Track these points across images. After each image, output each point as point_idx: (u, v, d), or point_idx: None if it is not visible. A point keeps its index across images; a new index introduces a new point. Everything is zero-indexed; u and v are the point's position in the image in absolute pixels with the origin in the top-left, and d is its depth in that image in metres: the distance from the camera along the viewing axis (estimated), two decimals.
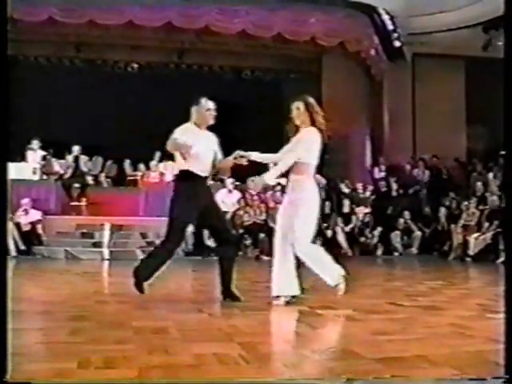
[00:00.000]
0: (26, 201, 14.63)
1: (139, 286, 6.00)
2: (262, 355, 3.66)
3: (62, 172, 16.31)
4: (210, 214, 6.28)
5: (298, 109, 6.35)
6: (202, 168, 6.28)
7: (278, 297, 6.01)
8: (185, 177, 6.24)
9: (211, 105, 6.59)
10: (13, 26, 17.04)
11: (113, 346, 3.88)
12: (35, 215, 14.52)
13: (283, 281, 6.00)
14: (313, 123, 6.26)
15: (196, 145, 6.20)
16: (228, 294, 6.22)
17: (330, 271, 6.21)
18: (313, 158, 6.32)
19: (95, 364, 3.36)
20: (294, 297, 6.05)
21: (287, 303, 5.96)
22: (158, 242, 14.40)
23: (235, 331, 4.41)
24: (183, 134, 6.20)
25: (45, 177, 15.95)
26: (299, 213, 6.06)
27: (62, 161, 16.46)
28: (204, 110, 6.53)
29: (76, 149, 16.46)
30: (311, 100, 6.41)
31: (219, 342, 4.06)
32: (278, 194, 15.50)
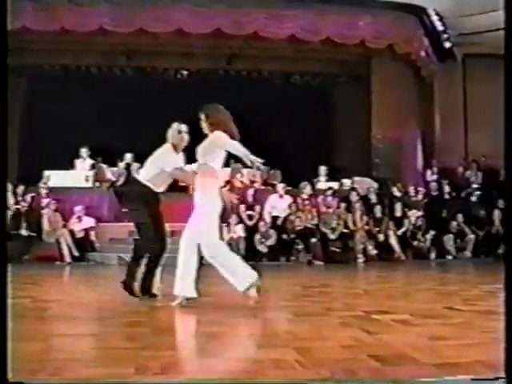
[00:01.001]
0: (79, 208, 14.82)
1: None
2: (317, 360, 3.65)
3: (114, 179, 16.48)
4: None
5: (201, 119, 6.59)
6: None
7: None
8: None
9: (184, 128, 7.06)
10: (64, 36, 17.36)
11: (169, 351, 3.90)
12: (88, 222, 14.70)
13: (182, 282, 6.28)
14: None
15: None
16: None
17: (239, 276, 6.23)
18: (215, 162, 6.42)
19: (152, 369, 3.38)
20: (188, 299, 6.25)
21: (181, 304, 6.20)
22: None
23: (291, 336, 4.41)
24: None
25: (97, 184, 16.14)
26: (203, 216, 6.23)
27: (114, 168, 16.63)
28: (177, 133, 7.00)
29: (128, 156, 16.63)
30: (212, 110, 6.65)
31: (275, 347, 4.05)
32: (330, 198, 15.45)
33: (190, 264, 6.31)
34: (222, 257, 6.24)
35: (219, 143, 6.34)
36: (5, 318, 3.30)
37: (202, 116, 6.59)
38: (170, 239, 12.47)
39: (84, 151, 16.40)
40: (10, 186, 15.56)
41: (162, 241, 7.05)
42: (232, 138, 6.35)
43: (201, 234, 6.21)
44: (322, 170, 17.27)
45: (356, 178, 17.10)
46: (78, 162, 16.43)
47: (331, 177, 17.32)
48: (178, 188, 17.35)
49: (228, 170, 17.40)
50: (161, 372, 3.33)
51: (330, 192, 15.65)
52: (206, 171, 6.35)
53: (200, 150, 6.43)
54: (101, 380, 3.16)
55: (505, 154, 3.94)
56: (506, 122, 3.75)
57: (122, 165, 16.74)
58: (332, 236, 14.84)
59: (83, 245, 14.47)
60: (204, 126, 6.55)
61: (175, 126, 7.06)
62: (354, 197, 15.69)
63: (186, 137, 7.07)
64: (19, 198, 15.39)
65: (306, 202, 15.50)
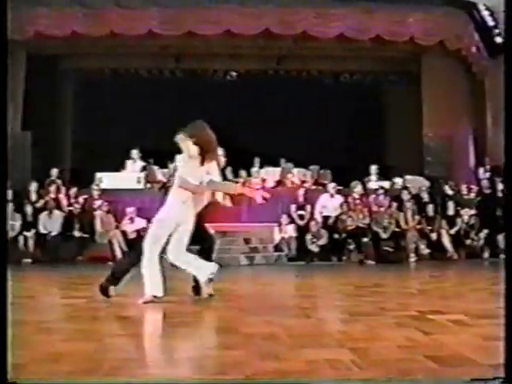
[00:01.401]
0: (131, 209, 14.95)
1: None
2: (373, 361, 3.61)
3: (165, 180, 16.58)
4: None
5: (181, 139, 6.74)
6: None
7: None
8: None
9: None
10: (114, 40, 17.56)
11: (224, 351, 3.91)
12: (140, 223, 14.80)
13: (151, 281, 6.55)
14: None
15: None
16: None
17: (203, 269, 6.58)
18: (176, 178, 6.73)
19: (209, 369, 3.39)
20: (155, 297, 6.53)
21: (147, 303, 6.44)
22: (261, 247, 14.65)
23: (346, 337, 4.38)
24: None
25: (148, 186, 16.25)
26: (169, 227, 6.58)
27: (165, 170, 16.74)
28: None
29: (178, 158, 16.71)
30: (199, 129, 6.81)
31: (330, 347, 4.03)
32: (381, 197, 15.33)
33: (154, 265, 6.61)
34: (184, 257, 6.59)
35: (215, 174, 6.79)
36: (5, 317, 3.33)
37: (185, 135, 6.67)
38: (221, 239, 12.56)
39: (135, 153, 16.53)
40: (63, 189, 15.82)
41: (207, 241, 7.09)
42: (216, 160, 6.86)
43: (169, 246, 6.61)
44: (373, 169, 17.14)
45: (408, 177, 16.95)
46: (129, 164, 16.58)
47: (382, 176, 17.19)
48: None
49: (278, 169, 17.43)
50: (219, 372, 3.33)
51: (381, 191, 15.53)
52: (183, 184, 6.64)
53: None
54: (101, 380, 3.17)
55: (505, 153, 3.90)
56: (506, 122, 3.72)
57: (172, 166, 16.84)
58: (384, 235, 14.74)
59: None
60: (187, 145, 6.66)
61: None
62: (405, 196, 15.55)
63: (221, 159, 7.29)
64: (72, 200, 15.62)
65: (358, 202, 15.41)
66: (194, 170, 6.64)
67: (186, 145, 6.64)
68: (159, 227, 6.59)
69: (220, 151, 7.21)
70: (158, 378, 3.25)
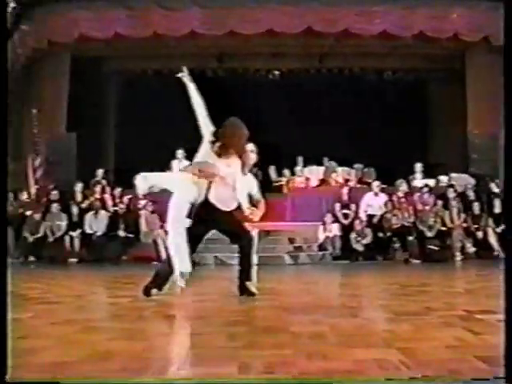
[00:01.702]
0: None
1: None
2: (422, 361, 3.57)
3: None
4: None
5: None
6: None
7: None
8: None
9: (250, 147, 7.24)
10: (156, 41, 17.67)
11: (271, 350, 3.89)
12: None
13: (177, 259, 6.76)
14: None
15: None
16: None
17: (181, 263, 6.78)
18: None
19: (255, 369, 3.38)
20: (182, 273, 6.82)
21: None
22: (305, 246, 14.62)
23: (393, 336, 4.34)
24: None
25: None
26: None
27: None
28: None
29: None
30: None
31: (377, 347, 4.00)
32: (426, 195, 15.20)
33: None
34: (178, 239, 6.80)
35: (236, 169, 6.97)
36: (5, 317, 3.34)
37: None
38: (265, 239, 12.57)
39: (180, 153, 16.57)
40: (108, 189, 15.96)
41: (243, 239, 7.06)
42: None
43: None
44: (418, 166, 17.00)
45: (453, 175, 16.78)
46: (174, 164, 16.64)
47: (427, 174, 17.04)
48: (272, 189, 17.53)
49: (322, 168, 17.39)
50: (264, 371, 3.32)
51: (426, 189, 15.40)
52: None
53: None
54: (101, 380, 3.17)
55: (505, 153, 3.84)
56: (506, 122, 3.68)
57: None
58: (429, 234, 14.61)
59: None
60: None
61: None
62: (451, 193, 15.39)
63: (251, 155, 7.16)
64: (117, 200, 15.75)
65: (402, 200, 15.30)
66: (210, 160, 6.81)
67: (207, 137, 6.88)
68: (174, 209, 6.84)
69: (251, 147, 7.12)
70: (205, 377, 3.25)
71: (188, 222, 6.79)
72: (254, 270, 7.08)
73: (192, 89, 7.22)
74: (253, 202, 7.09)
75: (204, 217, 6.93)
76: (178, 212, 6.78)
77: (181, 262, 6.69)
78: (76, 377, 3.27)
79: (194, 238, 6.91)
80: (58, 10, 17.52)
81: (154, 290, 6.89)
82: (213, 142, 6.85)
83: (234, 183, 6.87)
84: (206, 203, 6.92)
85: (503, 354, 3.28)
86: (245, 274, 6.98)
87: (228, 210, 6.94)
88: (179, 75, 7.28)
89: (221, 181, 6.83)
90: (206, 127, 6.96)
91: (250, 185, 7.12)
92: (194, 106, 7.13)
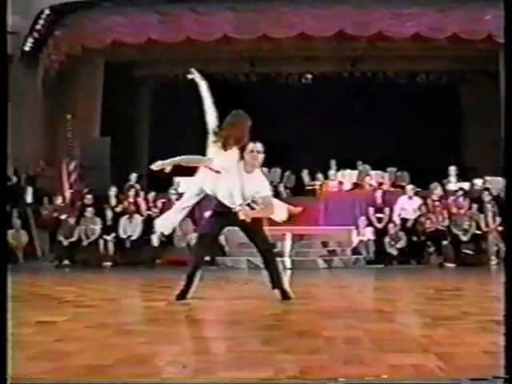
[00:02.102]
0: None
1: None
2: (460, 366, 3.52)
3: None
4: None
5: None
6: None
7: None
8: None
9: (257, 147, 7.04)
10: (189, 46, 17.74)
11: (307, 355, 3.86)
12: None
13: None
14: None
15: None
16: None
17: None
18: None
19: (292, 373, 3.35)
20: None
21: None
22: (338, 250, 14.57)
23: (429, 341, 4.28)
24: None
25: None
26: None
27: None
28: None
29: None
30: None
31: (414, 352, 3.95)
32: (461, 199, 15.07)
33: None
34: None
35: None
36: (5, 317, 3.34)
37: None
38: (298, 243, 12.57)
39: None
40: (141, 193, 16.04)
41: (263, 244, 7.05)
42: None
43: None
44: (452, 170, 16.86)
45: (488, 178, 16.60)
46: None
47: (462, 177, 16.89)
48: (305, 192, 17.50)
49: (355, 172, 17.31)
50: (299, 375, 3.29)
51: (460, 192, 15.26)
52: None
53: None
54: (101, 380, 3.16)
55: (504, 153, 3.80)
56: (506, 123, 3.64)
57: None
58: (464, 238, 14.48)
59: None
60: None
61: (250, 145, 6.81)
62: (486, 197, 15.23)
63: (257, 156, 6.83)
64: (150, 204, 15.83)
65: (437, 204, 15.17)
66: (217, 154, 6.94)
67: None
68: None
69: (257, 147, 6.78)
70: (241, 381, 3.24)
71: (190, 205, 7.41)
72: (283, 273, 7.06)
73: (204, 87, 7.44)
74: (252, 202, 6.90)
75: (215, 212, 7.09)
76: (185, 199, 7.51)
77: (162, 221, 7.40)
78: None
79: (210, 235, 7.19)
80: (92, 16, 17.69)
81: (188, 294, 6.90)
82: (215, 133, 6.97)
83: (235, 177, 6.72)
84: (214, 198, 7.09)
85: (503, 354, 3.24)
86: (273, 279, 6.90)
87: (233, 206, 6.78)
88: (190, 77, 7.36)
89: (223, 175, 6.76)
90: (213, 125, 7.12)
91: (257, 184, 6.79)
92: (206, 104, 7.33)
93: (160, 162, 6.86)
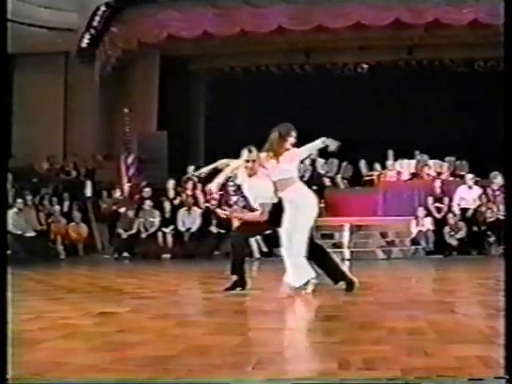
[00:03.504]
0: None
1: None
2: None
3: (300, 175, 16.55)
4: None
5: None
6: None
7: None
8: None
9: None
10: (244, 38, 17.76)
11: (370, 346, 3.84)
12: None
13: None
14: None
15: None
16: None
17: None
18: None
19: (356, 365, 3.33)
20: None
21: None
22: (398, 240, 14.44)
23: (494, 332, 4.21)
24: None
25: None
26: None
27: (301, 165, 16.74)
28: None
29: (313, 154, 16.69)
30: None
31: (479, 343, 3.90)
32: None
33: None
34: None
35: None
36: (5, 317, 3.36)
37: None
38: (357, 234, 12.51)
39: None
40: (199, 185, 16.12)
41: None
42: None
43: None
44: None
45: None
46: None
47: None
48: (363, 183, 17.36)
49: (413, 162, 17.11)
50: (364, 367, 3.27)
51: None
52: None
53: None
54: (101, 380, 3.15)
55: (504, 153, 3.71)
56: (506, 123, 3.58)
57: (307, 161, 16.78)
58: None
59: (272, 240, 14.69)
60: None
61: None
62: None
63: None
64: (208, 197, 15.89)
65: (497, 193, 14.90)
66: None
67: None
68: None
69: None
70: (305, 373, 3.23)
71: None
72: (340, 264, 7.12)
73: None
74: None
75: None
76: None
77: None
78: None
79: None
80: (147, 11, 17.82)
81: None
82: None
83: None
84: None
85: (503, 354, 3.18)
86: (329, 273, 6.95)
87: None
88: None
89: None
90: None
91: (263, 188, 7.54)
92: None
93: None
